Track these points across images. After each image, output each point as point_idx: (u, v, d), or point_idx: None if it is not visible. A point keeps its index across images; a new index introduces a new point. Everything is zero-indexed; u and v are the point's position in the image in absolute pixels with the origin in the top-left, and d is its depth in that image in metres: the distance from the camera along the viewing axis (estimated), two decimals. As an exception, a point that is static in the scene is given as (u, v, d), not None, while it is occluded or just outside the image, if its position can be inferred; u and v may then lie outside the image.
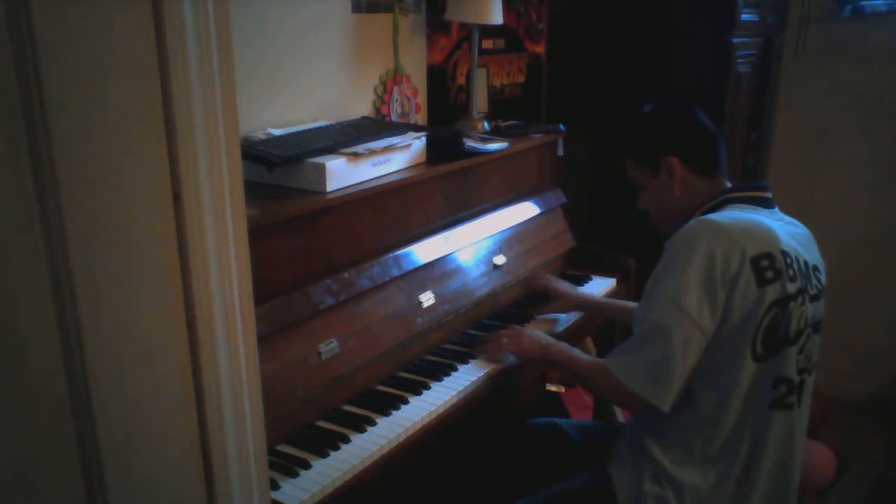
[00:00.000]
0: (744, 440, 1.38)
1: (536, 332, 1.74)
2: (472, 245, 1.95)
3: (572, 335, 2.03)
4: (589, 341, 2.47)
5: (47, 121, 0.59)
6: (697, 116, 1.58)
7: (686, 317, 1.33)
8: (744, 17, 2.52)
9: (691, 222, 1.41)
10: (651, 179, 1.57)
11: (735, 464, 1.39)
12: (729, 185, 1.55)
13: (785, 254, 1.36)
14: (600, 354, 2.46)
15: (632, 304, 1.83)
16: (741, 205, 1.47)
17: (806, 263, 1.41)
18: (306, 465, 1.31)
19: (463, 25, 2.30)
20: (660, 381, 1.35)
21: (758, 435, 1.38)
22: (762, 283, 1.32)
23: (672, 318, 1.34)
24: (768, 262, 1.33)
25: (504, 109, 2.55)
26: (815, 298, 1.42)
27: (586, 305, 2.00)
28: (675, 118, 1.60)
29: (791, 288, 1.35)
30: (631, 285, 2.28)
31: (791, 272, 1.35)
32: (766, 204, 1.49)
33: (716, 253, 1.32)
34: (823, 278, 1.47)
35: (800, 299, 1.37)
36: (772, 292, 1.33)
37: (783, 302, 1.34)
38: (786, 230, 1.43)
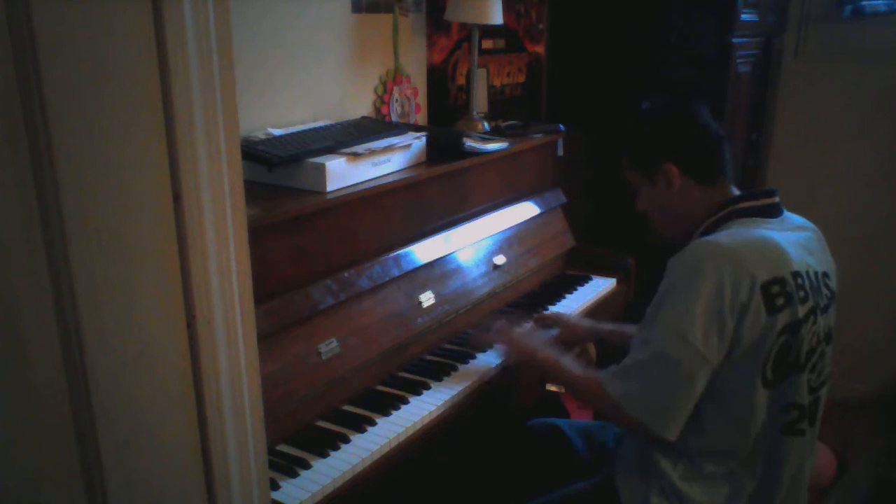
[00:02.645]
0: (757, 463, 1.36)
1: (529, 334, 1.70)
2: (472, 245, 1.95)
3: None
4: (591, 346, 2.47)
5: (47, 121, 0.59)
6: (701, 117, 1.47)
7: (692, 349, 1.27)
8: (744, 17, 2.52)
9: (698, 244, 1.34)
10: (647, 185, 1.49)
11: (747, 485, 1.37)
12: (735, 191, 1.46)
13: (796, 274, 1.30)
14: (601, 358, 2.46)
15: (630, 329, 1.70)
16: (749, 218, 1.39)
17: (816, 274, 1.35)
18: (306, 465, 1.31)
19: (463, 25, 2.30)
20: (664, 412, 1.31)
21: (771, 458, 1.35)
22: (772, 310, 1.27)
23: (678, 350, 1.28)
24: (779, 288, 1.27)
25: (504, 109, 2.55)
26: (825, 309, 1.36)
27: (594, 334, 1.88)
28: (675, 121, 1.48)
29: (802, 311, 1.29)
30: (631, 285, 2.29)
31: (802, 293, 1.30)
32: (773, 212, 1.42)
33: (724, 281, 1.26)
34: (833, 283, 1.41)
35: (811, 319, 1.32)
36: (782, 319, 1.28)
37: (794, 327, 1.29)
38: (795, 242, 1.36)
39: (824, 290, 1.38)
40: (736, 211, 1.41)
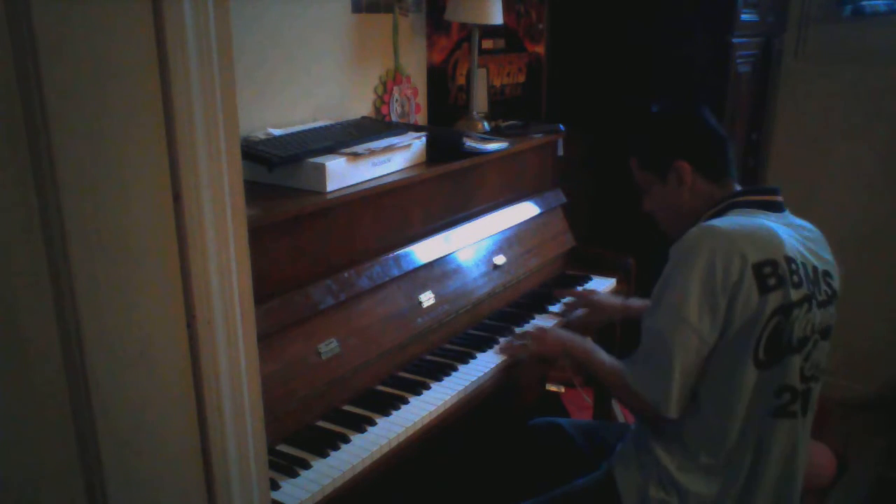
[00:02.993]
0: (748, 449, 1.38)
1: (557, 330, 1.75)
2: (472, 245, 1.95)
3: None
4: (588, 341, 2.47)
5: (47, 121, 0.59)
6: (706, 118, 1.54)
7: (686, 325, 1.33)
8: (744, 17, 2.52)
9: (695, 229, 1.39)
10: (658, 184, 1.54)
11: (740, 473, 1.38)
12: (738, 188, 1.52)
13: (790, 260, 1.33)
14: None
15: None
16: (748, 209, 1.44)
17: (815, 269, 1.38)
18: (306, 465, 1.31)
19: (463, 25, 2.30)
20: (669, 391, 1.36)
21: (761, 444, 1.37)
22: (764, 290, 1.31)
23: (673, 326, 1.35)
24: (771, 269, 1.31)
25: (504, 109, 2.55)
26: (823, 305, 1.39)
27: (624, 313, 1.94)
28: (684, 121, 1.56)
29: (795, 295, 1.32)
30: (631, 285, 2.28)
31: (796, 278, 1.33)
32: (775, 208, 1.46)
33: (716, 260, 1.31)
34: (836, 283, 1.43)
35: (805, 306, 1.34)
36: (774, 299, 1.31)
37: (786, 309, 1.32)
38: (793, 235, 1.40)
39: (824, 287, 1.40)
40: (736, 202, 1.46)
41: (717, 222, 1.40)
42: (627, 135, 1.65)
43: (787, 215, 1.47)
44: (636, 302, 1.93)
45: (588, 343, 1.64)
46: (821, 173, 3.03)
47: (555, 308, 2.02)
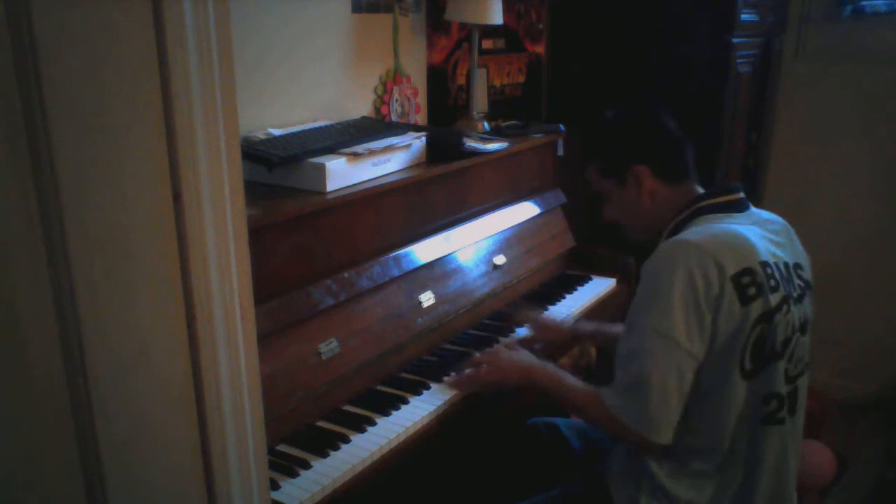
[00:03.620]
0: (739, 457, 1.37)
1: (517, 353, 1.63)
2: (472, 245, 1.95)
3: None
4: (592, 347, 2.46)
5: (47, 121, 0.59)
6: (663, 121, 1.52)
7: (676, 346, 1.28)
8: (744, 17, 2.52)
9: (666, 245, 1.36)
10: (618, 189, 1.51)
11: (732, 480, 1.38)
12: (700, 190, 1.49)
13: (764, 265, 1.32)
14: (601, 359, 2.45)
15: (618, 330, 1.61)
16: (714, 214, 1.42)
17: (786, 265, 1.37)
18: (306, 465, 1.31)
19: (463, 25, 2.30)
20: (660, 419, 1.32)
21: (753, 451, 1.36)
22: (745, 301, 1.29)
23: (662, 349, 1.29)
24: (749, 279, 1.29)
25: (504, 109, 2.56)
26: (798, 300, 1.38)
27: (579, 336, 1.86)
28: (640, 124, 1.53)
29: (774, 300, 1.31)
30: (631, 285, 2.28)
31: (773, 283, 1.32)
32: (739, 207, 1.44)
33: (695, 274, 1.27)
34: (807, 274, 1.43)
35: (784, 308, 1.33)
36: (755, 309, 1.29)
37: (768, 316, 1.31)
38: (762, 235, 1.38)
39: (797, 281, 1.40)
40: (701, 208, 1.44)
41: (687, 235, 1.36)
42: (585, 141, 1.62)
43: (752, 212, 1.46)
44: (586, 325, 1.84)
45: (550, 365, 1.56)
46: (821, 173, 3.03)
47: (554, 308, 2.02)
